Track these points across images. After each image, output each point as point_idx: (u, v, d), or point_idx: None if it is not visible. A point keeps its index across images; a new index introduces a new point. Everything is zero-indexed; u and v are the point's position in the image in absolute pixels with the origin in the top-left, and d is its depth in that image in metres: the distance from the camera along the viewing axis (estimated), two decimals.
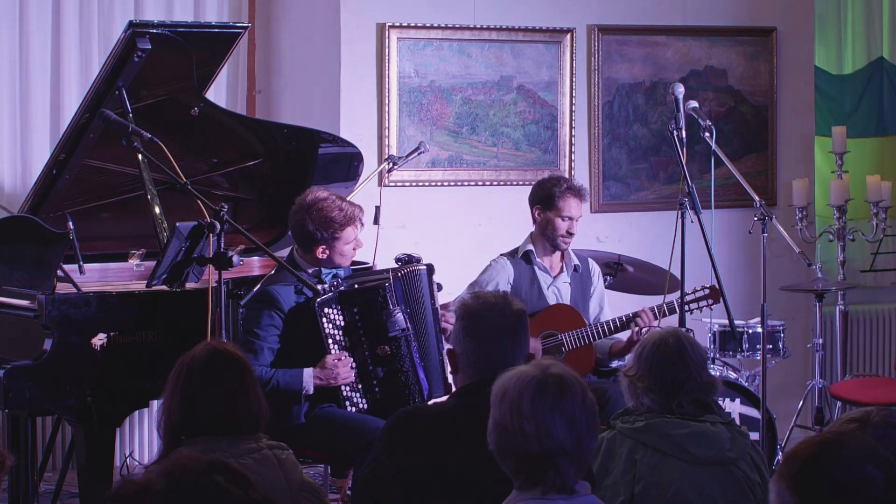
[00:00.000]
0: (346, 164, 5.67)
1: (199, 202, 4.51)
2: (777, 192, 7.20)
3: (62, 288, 4.61)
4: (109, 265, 5.32)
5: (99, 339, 4.52)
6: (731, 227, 6.83)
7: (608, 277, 5.81)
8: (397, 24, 6.37)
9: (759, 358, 5.68)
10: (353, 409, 4.73)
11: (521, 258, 5.54)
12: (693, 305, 5.42)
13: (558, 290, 5.55)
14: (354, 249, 4.89)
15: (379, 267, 5.42)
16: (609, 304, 5.68)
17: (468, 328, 3.42)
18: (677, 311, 5.25)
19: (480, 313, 3.43)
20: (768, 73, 7.15)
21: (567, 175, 6.64)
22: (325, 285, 4.75)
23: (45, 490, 5.52)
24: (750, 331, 5.98)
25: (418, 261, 4.90)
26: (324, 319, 4.68)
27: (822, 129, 7.54)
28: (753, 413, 5.69)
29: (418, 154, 6.03)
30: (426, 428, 3.36)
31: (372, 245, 5.54)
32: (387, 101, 6.38)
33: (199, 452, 2.97)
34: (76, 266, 4.90)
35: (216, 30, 5.46)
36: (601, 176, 6.85)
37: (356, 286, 4.79)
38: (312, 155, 5.57)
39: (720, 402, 5.55)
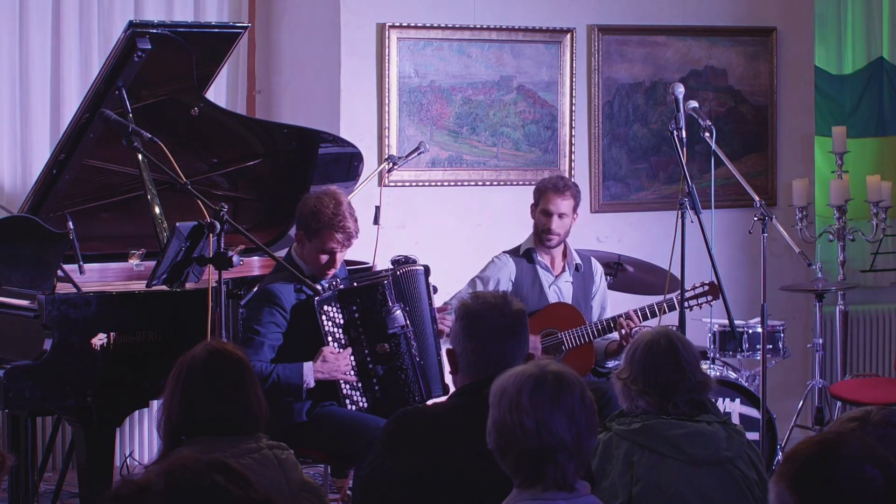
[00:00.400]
0: (346, 164, 5.67)
1: (199, 202, 4.51)
2: (777, 192, 7.20)
3: (62, 288, 4.61)
4: (109, 265, 5.32)
5: (99, 339, 4.52)
6: (731, 227, 6.83)
7: (608, 277, 5.81)
8: (397, 24, 6.38)
9: (759, 358, 5.68)
10: (354, 407, 4.73)
11: (523, 256, 5.54)
12: (692, 302, 5.42)
13: (560, 289, 5.55)
14: (328, 267, 4.77)
15: (379, 268, 5.43)
16: (611, 305, 5.68)
17: (468, 328, 3.42)
18: (677, 308, 5.25)
19: (480, 313, 3.43)
20: (768, 73, 7.15)
21: (567, 175, 6.65)
22: (325, 283, 4.75)
23: (45, 490, 5.52)
24: (750, 331, 5.98)
25: (414, 262, 4.91)
26: (323, 317, 4.69)
27: (822, 129, 7.55)
28: (753, 413, 5.69)
29: (418, 154, 6.04)
30: (426, 428, 3.36)
31: (372, 245, 5.54)
32: (387, 101, 6.38)
33: (199, 452, 2.97)
34: (76, 266, 4.90)
35: (216, 30, 5.46)
36: (601, 176, 6.85)
37: (355, 284, 4.79)
38: (312, 155, 5.57)
39: (719, 403, 5.58)
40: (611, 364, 5.56)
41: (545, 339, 5.40)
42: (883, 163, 7.82)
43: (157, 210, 4.86)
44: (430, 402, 4.70)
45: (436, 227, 6.49)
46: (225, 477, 1.95)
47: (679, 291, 5.17)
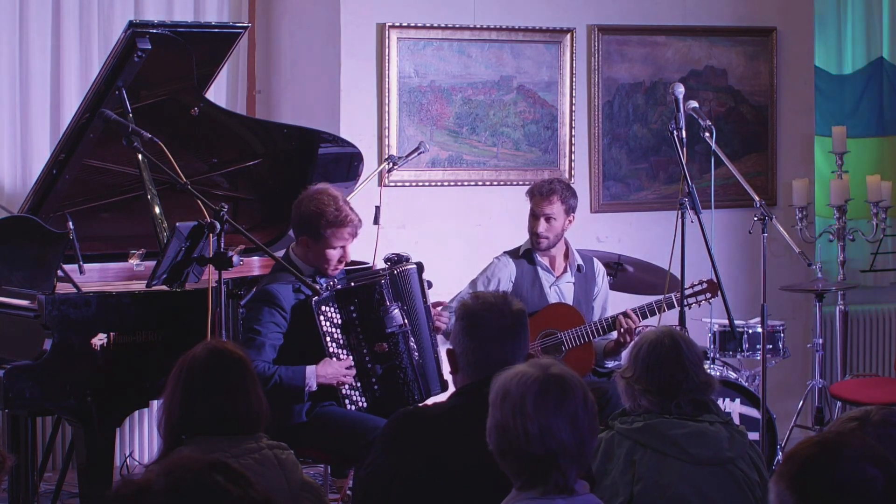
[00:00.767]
0: (346, 164, 5.67)
1: (199, 202, 4.51)
2: (777, 192, 7.20)
3: (62, 288, 4.61)
4: (109, 265, 5.32)
5: (99, 339, 4.52)
6: (731, 227, 6.83)
7: (608, 277, 5.81)
8: (397, 24, 6.38)
9: (759, 358, 5.69)
10: (353, 407, 4.73)
11: (523, 257, 5.54)
12: (691, 300, 5.42)
13: (560, 290, 5.55)
14: (340, 262, 4.79)
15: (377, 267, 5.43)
16: (611, 305, 5.67)
17: (468, 328, 3.42)
18: (676, 306, 5.26)
19: (480, 313, 3.43)
20: (768, 73, 7.15)
21: (567, 175, 6.65)
22: (322, 283, 4.76)
23: (45, 490, 5.52)
24: (750, 331, 5.98)
25: (407, 260, 4.91)
26: (321, 318, 4.69)
27: (822, 129, 7.54)
28: (753, 413, 5.69)
29: (418, 154, 6.04)
30: (426, 428, 3.36)
31: (372, 245, 5.54)
32: (387, 101, 6.38)
33: (200, 452, 2.97)
34: (76, 266, 4.90)
35: (216, 30, 5.46)
36: (601, 176, 6.85)
37: (352, 284, 4.79)
38: (312, 155, 5.57)
39: (720, 402, 5.58)
40: (610, 364, 5.56)
41: (545, 340, 5.40)
42: (883, 163, 7.82)
43: (157, 210, 4.86)
44: (429, 401, 4.71)
45: (436, 227, 6.49)
46: (225, 477, 1.95)
47: (678, 290, 5.18)
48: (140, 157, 4.72)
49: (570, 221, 5.51)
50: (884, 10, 7.85)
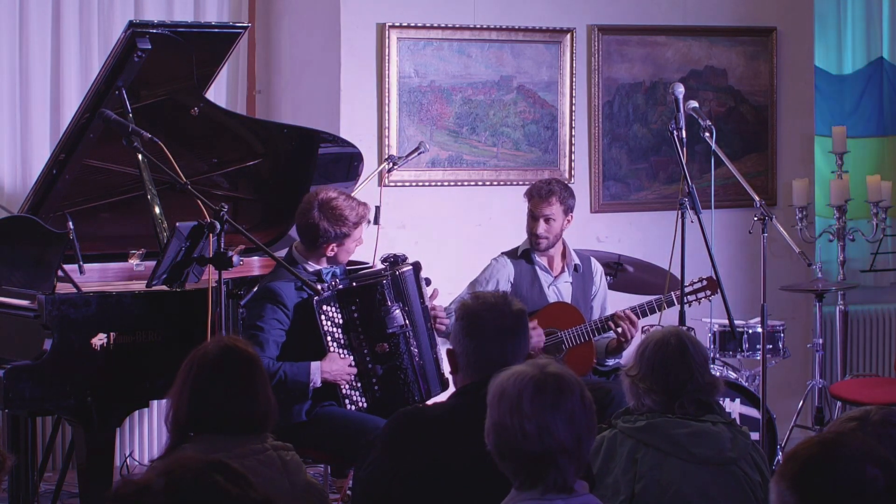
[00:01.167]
0: (346, 164, 5.67)
1: (199, 202, 4.51)
2: (777, 192, 7.20)
3: (62, 288, 4.61)
4: (109, 265, 5.32)
5: (99, 339, 4.52)
6: (731, 227, 6.83)
7: (608, 277, 5.81)
8: (397, 24, 6.38)
9: (759, 358, 5.68)
10: (353, 407, 4.74)
11: (522, 257, 5.55)
12: (691, 297, 5.42)
13: (559, 290, 5.55)
14: (355, 246, 4.96)
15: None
16: (612, 306, 5.67)
17: (468, 328, 3.42)
18: (675, 304, 5.26)
19: (480, 313, 3.43)
20: (768, 73, 7.15)
21: (567, 175, 6.65)
22: (325, 284, 4.77)
23: (45, 490, 5.52)
24: (750, 331, 5.98)
25: (404, 260, 4.92)
26: (322, 317, 4.69)
27: (822, 129, 7.55)
28: (753, 413, 5.69)
29: (418, 154, 6.04)
30: (426, 428, 3.36)
31: (372, 245, 5.54)
32: (387, 101, 6.38)
33: (205, 450, 2.98)
34: (76, 266, 4.90)
35: (216, 30, 5.45)
36: (601, 176, 6.85)
37: (354, 284, 4.80)
38: (312, 155, 5.57)
39: (720, 402, 5.58)
40: (611, 362, 5.56)
41: (545, 339, 5.40)
42: (883, 163, 7.82)
43: (157, 210, 4.86)
44: (430, 402, 4.70)
45: (436, 227, 6.49)
46: (225, 477, 1.95)
47: (678, 288, 5.18)
48: (140, 157, 4.72)
49: (568, 221, 5.52)
50: (884, 10, 7.85)
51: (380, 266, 4.95)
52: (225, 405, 3.15)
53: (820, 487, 2.17)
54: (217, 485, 1.93)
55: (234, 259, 4.34)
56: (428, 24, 6.45)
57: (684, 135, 5.06)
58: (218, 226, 4.34)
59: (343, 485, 5.51)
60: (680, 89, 5.11)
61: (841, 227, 7.19)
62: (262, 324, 4.68)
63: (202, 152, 5.44)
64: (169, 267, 4.54)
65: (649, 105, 6.92)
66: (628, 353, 4.36)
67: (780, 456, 5.79)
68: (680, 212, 5.01)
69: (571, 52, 6.71)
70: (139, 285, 4.88)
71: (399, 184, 6.41)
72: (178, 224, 4.47)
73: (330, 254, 4.86)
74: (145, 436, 6.41)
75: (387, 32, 6.35)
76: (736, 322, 5.63)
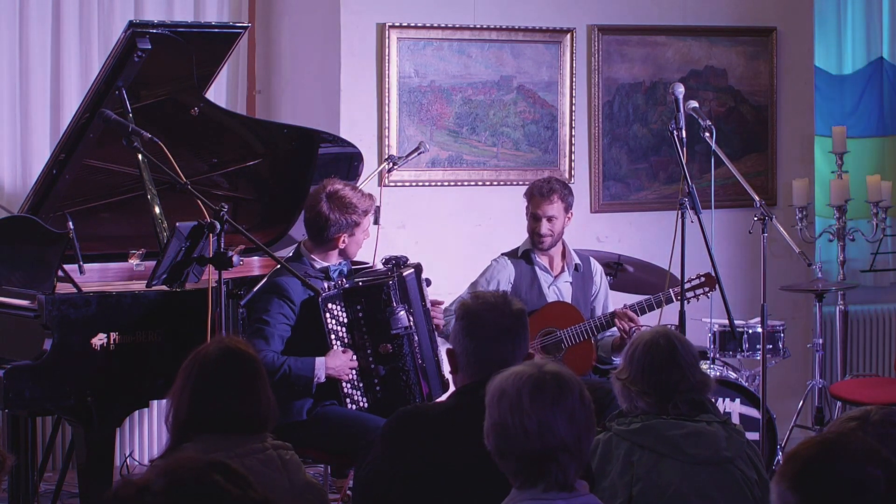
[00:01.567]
0: (346, 164, 5.67)
1: (199, 202, 4.51)
2: (777, 192, 7.20)
3: (62, 288, 4.61)
4: (109, 265, 5.32)
5: (99, 339, 4.51)
6: (731, 227, 6.83)
7: (608, 277, 5.81)
8: (397, 24, 6.38)
9: (759, 358, 5.68)
10: (354, 406, 4.74)
11: (521, 257, 5.55)
12: (689, 294, 5.42)
13: (559, 290, 5.55)
14: (364, 238, 5.00)
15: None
16: (613, 305, 5.67)
17: (468, 328, 3.42)
18: (674, 301, 5.26)
19: (480, 313, 3.43)
20: (768, 73, 7.15)
21: (567, 175, 6.65)
22: (331, 283, 4.78)
23: (45, 490, 5.52)
24: (750, 331, 5.98)
25: (406, 262, 4.93)
26: (327, 315, 4.70)
27: (822, 129, 7.54)
28: (753, 413, 5.69)
29: (418, 154, 6.04)
30: (426, 428, 3.36)
31: (372, 245, 5.54)
32: (387, 101, 6.38)
33: (205, 450, 2.98)
34: (76, 266, 4.89)
35: (216, 30, 5.45)
36: (601, 176, 6.85)
37: (360, 283, 4.81)
38: (312, 155, 5.57)
39: (719, 403, 5.58)
40: (618, 360, 5.54)
41: (545, 338, 5.41)
42: (883, 163, 7.82)
43: (157, 210, 4.85)
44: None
45: (436, 227, 6.49)
46: (224, 477, 1.95)
47: (677, 286, 5.18)
48: (140, 157, 4.72)
49: (568, 219, 5.54)
50: (884, 10, 7.85)
51: (382, 267, 4.96)
52: (225, 405, 3.15)
53: (820, 487, 2.17)
54: (217, 485, 1.93)
55: (234, 259, 4.34)
56: (428, 24, 6.45)
57: (684, 135, 5.07)
58: (218, 226, 4.34)
59: (343, 485, 5.51)
60: (680, 89, 5.11)
61: (841, 227, 7.19)
62: (268, 318, 4.69)
63: (202, 152, 5.44)
64: (169, 267, 4.54)
65: (649, 105, 6.92)
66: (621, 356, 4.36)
67: (780, 456, 5.79)
68: (680, 212, 5.01)
69: (571, 52, 6.71)
70: (139, 285, 4.88)
71: (399, 184, 6.41)
72: (178, 224, 4.47)
73: (342, 245, 4.88)
74: (145, 436, 6.41)
75: (387, 32, 6.35)
76: (736, 322, 5.63)
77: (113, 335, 4.53)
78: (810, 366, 7.00)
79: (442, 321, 5.04)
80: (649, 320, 5.52)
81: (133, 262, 5.31)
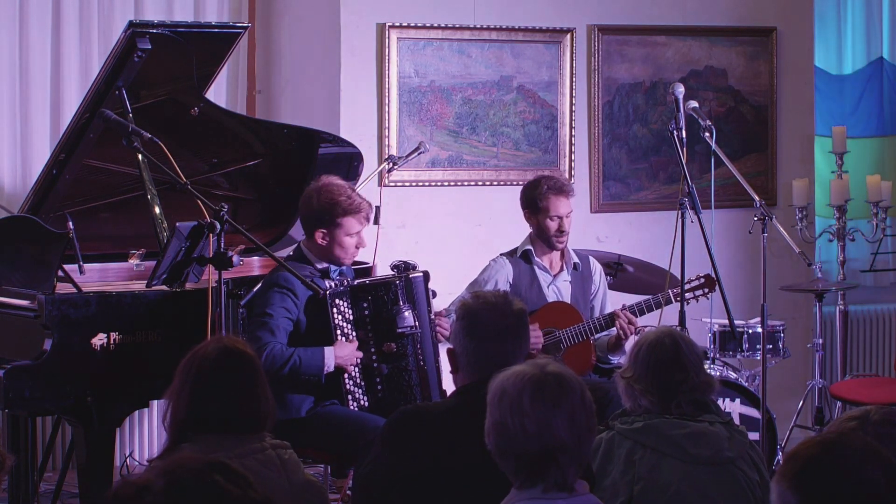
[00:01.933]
0: (346, 164, 5.67)
1: (199, 202, 4.51)
2: (777, 192, 7.20)
3: (62, 288, 4.61)
4: (109, 265, 5.32)
5: (99, 339, 4.51)
6: (731, 227, 6.83)
7: (608, 277, 5.81)
8: (397, 24, 6.38)
9: (759, 358, 5.68)
10: (355, 405, 4.74)
11: (521, 257, 5.55)
12: (689, 295, 5.42)
13: (558, 289, 5.55)
14: (357, 248, 4.89)
15: (378, 269, 5.45)
16: (612, 305, 5.67)
17: (468, 328, 3.42)
18: (674, 301, 5.26)
19: (480, 313, 3.43)
20: (768, 73, 7.15)
21: (567, 175, 6.65)
22: (333, 282, 4.78)
23: (45, 490, 5.52)
24: (750, 331, 5.98)
25: (415, 267, 4.92)
26: (334, 310, 4.71)
27: (822, 129, 7.55)
28: (753, 413, 5.69)
29: (418, 154, 6.04)
30: (426, 427, 3.36)
31: (372, 245, 5.54)
32: (387, 101, 6.38)
33: (204, 450, 2.97)
34: (76, 266, 4.90)
35: (216, 30, 5.45)
36: (601, 176, 6.85)
37: (368, 281, 4.82)
38: (312, 155, 5.57)
39: (719, 402, 5.58)
40: (615, 359, 5.55)
41: (544, 338, 5.40)
42: (883, 163, 7.82)
43: (157, 210, 4.86)
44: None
45: (436, 227, 6.49)
46: (224, 477, 1.95)
47: (677, 287, 5.18)
48: (140, 157, 4.72)
49: None
50: (884, 10, 7.86)
51: (390, 272, 4.94)
52: (224, 405, 3.15)
53: (820, 487, 2.17)
54: (217, 485, 1.93)
55: (234, 259, 4.34)
56: (428, 24, 6.45)
57: (684, 135, 5.07)
58: (218, 226, 4.34)
59: (343, 485, 5.51)
60: (680, 89, 5.11)
61: (841, 227, 7.19)
62: (272, 311, 4.69)
63: (202, 152, 5.44)
64: (169, 267, 4.54)
65: (649, 105, 6.92)
66: (626, 355, 4.36)
67: (780, 456, 5.79)
68: (680, 212, 5.02)
69: (571, 52, 6.71)
70: (139, 285, 4.88)
71: (399, 184, 6.41)
72: (178, 224, 4.47)
73: (321, 242, 4.81)
74: (145, 436, 6.41)
75: (387, 32, 6.35)
76: (736, 322, 5.63)
77: (113, 335, 4.53)
78: (810, 366, 7.00)
79: (447, 332, 5.02)
80: (650, 321, 5.52)
81: (133, 262, 5.31)
